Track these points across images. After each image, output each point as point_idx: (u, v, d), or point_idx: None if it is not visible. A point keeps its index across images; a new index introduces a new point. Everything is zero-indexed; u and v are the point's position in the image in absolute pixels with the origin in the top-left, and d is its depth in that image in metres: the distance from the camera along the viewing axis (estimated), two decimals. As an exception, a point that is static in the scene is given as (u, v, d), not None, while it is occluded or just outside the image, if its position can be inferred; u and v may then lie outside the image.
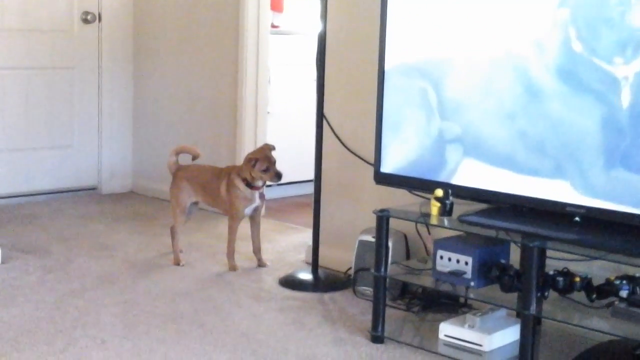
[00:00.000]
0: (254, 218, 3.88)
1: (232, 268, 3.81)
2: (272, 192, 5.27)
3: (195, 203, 4.01)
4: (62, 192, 5.30)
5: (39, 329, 3.09)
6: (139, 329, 3.11)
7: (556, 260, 2.87)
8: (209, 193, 3.91)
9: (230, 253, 3.84)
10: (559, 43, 2.69)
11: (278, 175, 3.74)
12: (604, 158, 2.63)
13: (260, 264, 3.89)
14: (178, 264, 3.89)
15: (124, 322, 3.18)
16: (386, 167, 3.16)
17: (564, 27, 2.68)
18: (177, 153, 4.03)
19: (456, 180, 2.97)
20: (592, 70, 2.63)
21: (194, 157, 4.02)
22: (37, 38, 5.14)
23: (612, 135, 2.61)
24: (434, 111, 3.01)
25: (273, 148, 3.80)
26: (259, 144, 4.96)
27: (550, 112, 2.73)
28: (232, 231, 3.83)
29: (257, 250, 3.91)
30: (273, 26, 5.34)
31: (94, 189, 5.45)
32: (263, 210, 4.82)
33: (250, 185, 3.78)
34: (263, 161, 3.74)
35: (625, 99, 2.58)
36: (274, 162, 3.75)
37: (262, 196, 3.85)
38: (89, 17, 5.30)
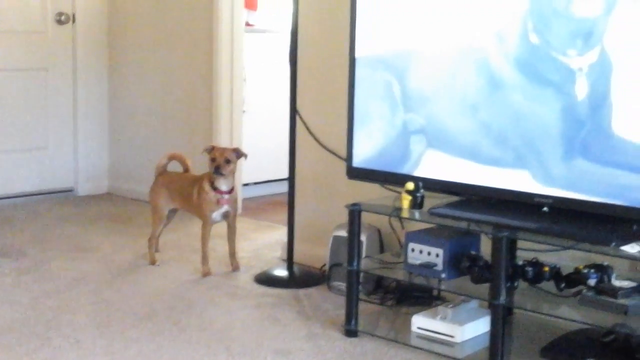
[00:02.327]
0: (229, 223, 3.82)
1: (206, 274, 3.76)
2: (249, 191, 5.28)
3: (174, 210, 3.99)
4: (38, 194, 5.29)
5: (13, 329, 3.08)
6: (113, 328, 3.11)
7: (527, 251, 2.90)
8: (185, 199, 3.88)
9: (204, 259, 3.79)
10: (518, 35, 2.74)
11: (217, 168, 3.64)
12: (563, 148, 2.67)
13: (234, 268, 3.84)
14: (153, 264, 3.89)
15: (98, 321, 3.18)
16: (358, 162, 3.19)
17: (522, 20, 2.72)
18: (170, 158, 3.99)
19: (420, 171, 3.01)
20: (548, 62, 2.67)
21: (185, 169, 3.99)
22: (11, 39, 5.13)
23: (571, 125, 2.65)
24: (398, 103, 3.04)
25: (235, 149, 3.77)
26: (235, 143, 4.98)
27: (510, 104, 2.77)
28: (204, 238, 3.77)
29: (231, 255, 3.86)
30: (247, 24, 5.35)
31: (70, 190, 5.44)
32: (240, 210, 4.83)
33: (215, 187, 3.72)
34: (214, 150, 3.69)
35: (581, 90, 2.62)
36: (226, 159, 3.66)
37: (230, 202, 3.76)
38: (62, 18, 5.30)
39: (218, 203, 3.73)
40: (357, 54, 3.15)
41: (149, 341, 3.00)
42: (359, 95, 3.16)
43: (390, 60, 3.05)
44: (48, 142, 5.34)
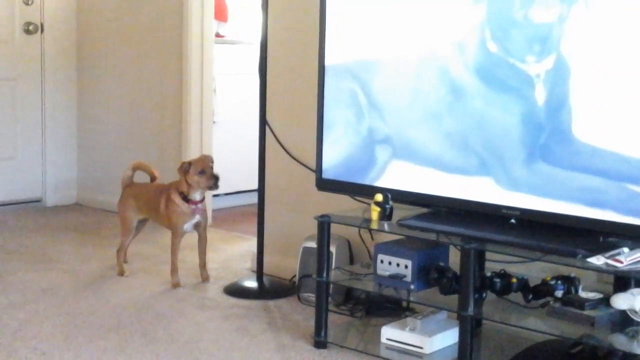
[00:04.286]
0: (199, 234, 3.78)
1: (175, 285, 3.71)
2: (219, 202, 5.26)
3: (144, 221, 3.95)
4: (5, 204, 5.23)
5: (-23, 341, 3.05)
6: (80, 340, 3.09)
7: (495, 262, 2.92)
8: (152, 210, 3.82)
9: (174, 270, 3.73)
10: (476, 44, 2.79)
11: (215, 178, 3.62)
12: (525, 153, 2.72)
13: (204, 279, 3.80)
14: (122, 275, 3.86)
15: (66, 333, 3.15)
16: (327, 173, 3.20)
17: (480, 28, 2.77)
18: (135, 169, 3.95)
19: (385, 180, 3.03)
20: (507, 69, 2.73)
21: (152, 178, 3.95)
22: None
23: (531, 131, 2.70)
24: (363, 113, 3.07)
25: (212, 160, 3.71)
26: (205, 153, 4.96)
27: (472, 111, 2.82)
28: (173, 249, 3.72)
29: (202, 266, 3.81)
30: (218, 36, 5.35)
31: (38, 201, 5.39)
32: (210, 220, 4.81)
33: (187, 199, 3.67)
34: (197, 164, 3.63)
35: (540, 95, 2.67)
36: (211, 167, 3.65)
37: (202, 211, 3.72)
38: (31, 28, 5.26)
39: (193, 213, 3.69)
40: (326, 67, 3.17)
41: (117, 353, 2.97)
42: (326, 105, 3.18)
43: (355, 70, 3.09)
44: (16, 152, 5.29)
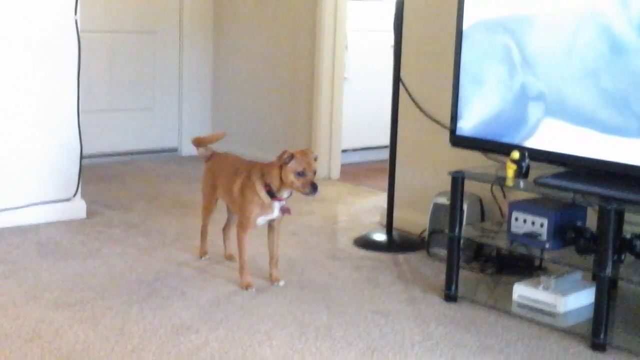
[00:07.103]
0: (272, 226, 3.17)
1: (247, 285, 3.13)
2: (348, 157, 5.31)
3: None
4: (144, 152, 5.46)
5: (123, 279, 3.21)
6: (217, 282, 3.21)
7: (635, 225, 2.85)
8: (225, 190, 3.26)
9: (243, 269, 3.17)
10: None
11: (314, 187, 2.95)
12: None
13: (274, 280, 3.20)
14: (202, 257, 3.46)
15: (203, 275, 3.28)
16: (463, 130, 3.18)
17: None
18: (197, 145, 3.48)
19: (536, 140, 2.97)
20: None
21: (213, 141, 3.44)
22: (120, 2, 5.28)
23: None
24: (516, 68, 3.00)
25: (316, 158, 3.05)
26: (336, 109, 5.02)
27: (635, 70, 2.69)
28: (241, 244, 3.13)
29: (273, 264, 3.22)
30: (351, -8, 5.36)
31: (174, 150, 5.60)
32: (338, 175, 4.85)
33: (272, 193, 3.06)
34: (300, 162, 2.96)
35: None
36: (313, 172, 2.99)
37: (285, 210, 3.09)
38: (171, -18, 5.42)
39: (271, 210, 3.09)
40: (466, 19, 3.13)
41: (251, 297, 3.08)
42: (469, 60, 3.14)
43: (508, 24, 3.02)
44: (154, 103, 5.50)
